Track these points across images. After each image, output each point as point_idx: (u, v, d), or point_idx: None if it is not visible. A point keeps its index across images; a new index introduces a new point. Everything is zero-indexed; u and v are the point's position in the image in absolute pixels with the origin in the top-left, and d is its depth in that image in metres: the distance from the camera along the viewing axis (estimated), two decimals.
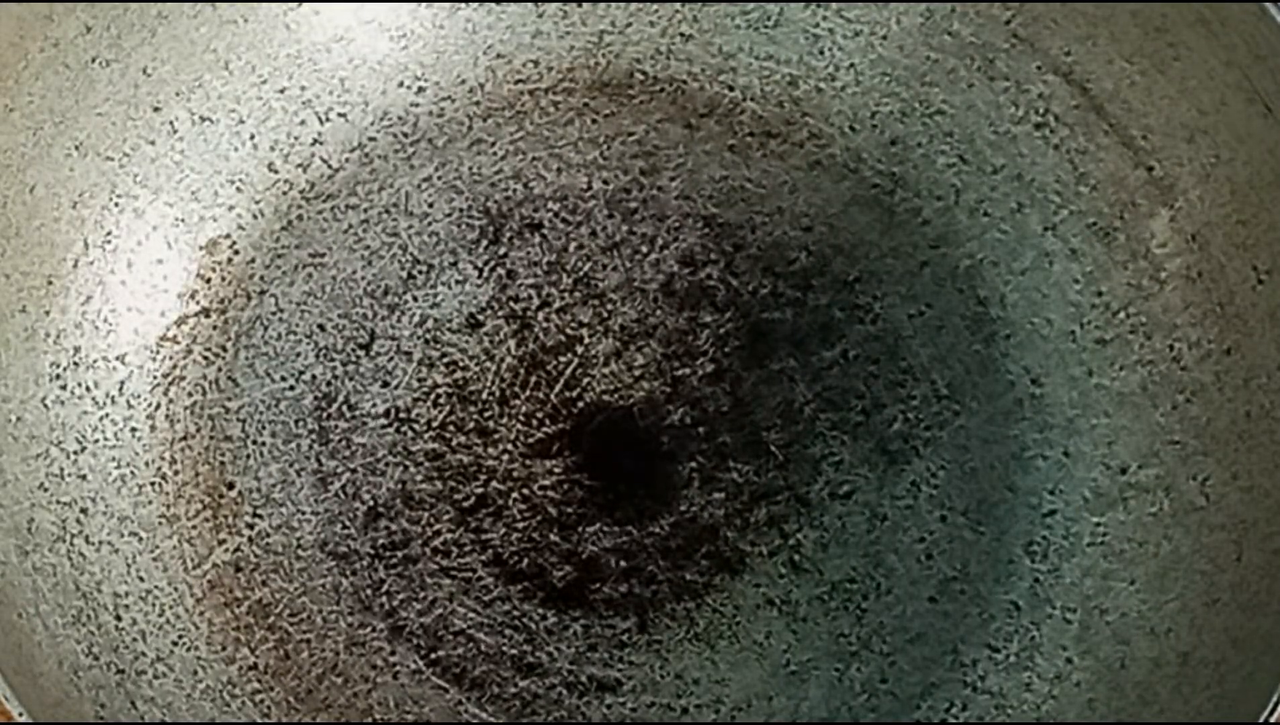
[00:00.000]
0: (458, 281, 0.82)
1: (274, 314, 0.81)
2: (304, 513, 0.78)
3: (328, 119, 0.84)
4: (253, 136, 0.83)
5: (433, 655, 0.75)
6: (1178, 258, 0.77)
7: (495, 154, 0.84)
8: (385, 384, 0.80)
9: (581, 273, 0.81)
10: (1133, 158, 0.78)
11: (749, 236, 0.83)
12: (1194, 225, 0.76)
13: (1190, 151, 0.76)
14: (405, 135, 0.84)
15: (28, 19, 0.73)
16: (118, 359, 0.79)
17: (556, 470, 0.78)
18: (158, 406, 0.79)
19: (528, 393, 0.79)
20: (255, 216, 0.82)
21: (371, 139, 0.84)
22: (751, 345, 0.80)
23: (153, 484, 0.78)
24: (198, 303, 0.81)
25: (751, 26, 0.85)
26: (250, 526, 0.78)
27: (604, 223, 0.83)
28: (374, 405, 0.79)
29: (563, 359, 0.80)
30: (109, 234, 0.79)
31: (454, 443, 0.79)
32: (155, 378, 0.80)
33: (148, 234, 0.80)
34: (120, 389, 0.79)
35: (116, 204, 0.79)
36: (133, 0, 0.77)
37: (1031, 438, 0.78)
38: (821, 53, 0.84)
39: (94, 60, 0.77)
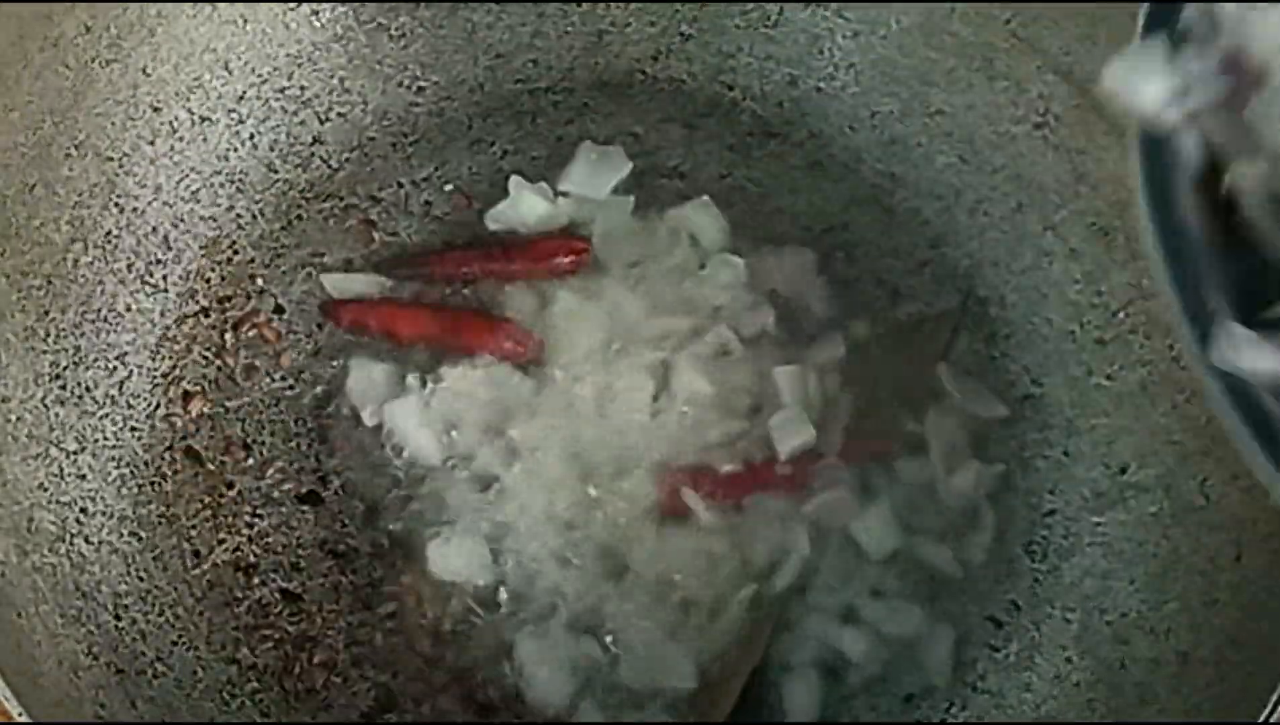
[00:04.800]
0: None
1: (274, 313, 0.81)
2: (304, 511, 0.78)
3: (327, 119, 0.84)
4: (253, 136, 0.83)
5: (433, 654, 0.75)
6: None
7: (495, 154, 0.84)
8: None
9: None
10: None
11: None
12: None
13: None
14: (405, 135, 0.84)
15: (28, 19, 0.73)
16: (118, 359, 0.79)
17: None
18: (157, 406, 0.79)
19: None
20: (255, 216, 0.82)
21: (371, 139, 0.84)
22: None
23: (153, 484, 0.78)
24: (198, 303, 0.81)
25: (751, 26, 0.85)
26: (250, 526, 0.78)
27: None
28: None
29: None
30: (109, 234, 0.79)
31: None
32: (155, 378, 0.80)
33: (147, 234, 0.80)
34: (120, 389, 0.79)
35: (116, 204, 0.79)
36: (133, 0, 0.77)
37: (1031, 438, 0.78)
38: (821, 53, 0.84)
39: (94, 60, 0.77)
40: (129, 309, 0.80)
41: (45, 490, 0.75)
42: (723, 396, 0.77)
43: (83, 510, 0.76)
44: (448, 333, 0.78)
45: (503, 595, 0.75)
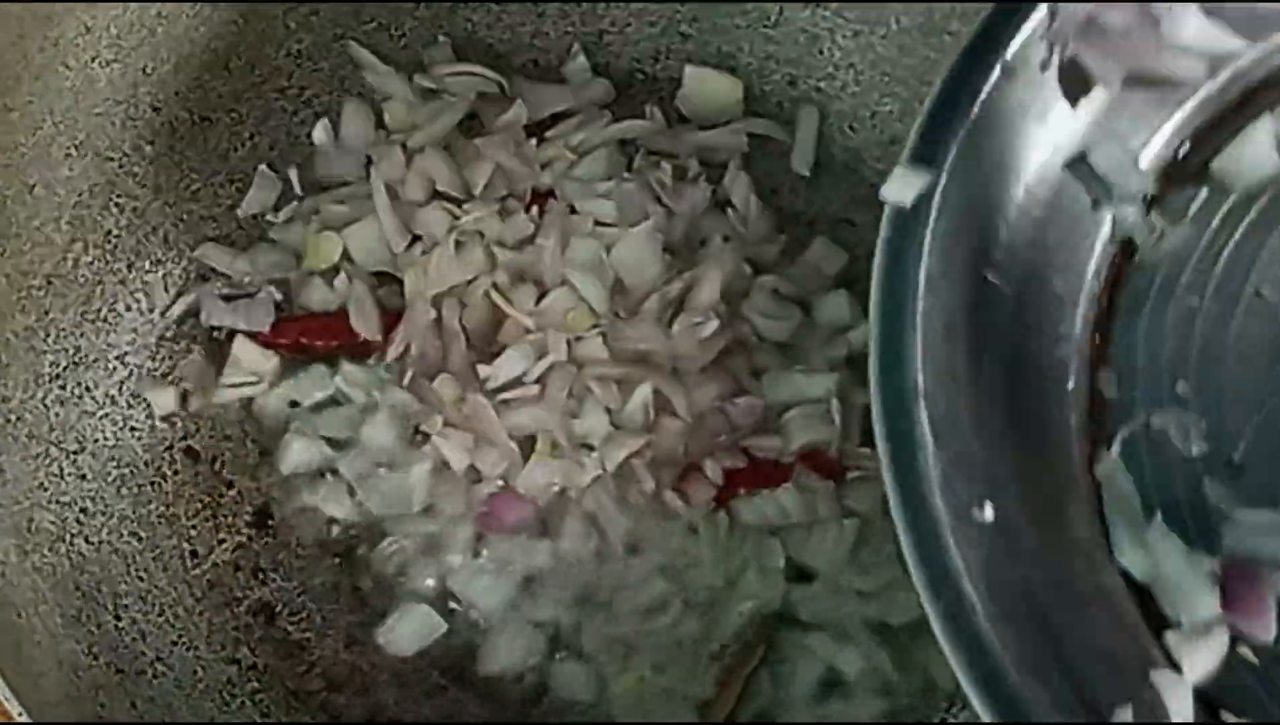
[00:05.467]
0: None
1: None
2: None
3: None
4: (252, 136, 0.83)
5: (433, 652, 0.75)
6: None
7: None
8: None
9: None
10: None
11: None
12: None
13: None
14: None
15: (28, 19, 0.73)
16: (117, 359, 0.79)
17: None
18: (158, 407, 0.79)
19: None
20: (254, 216, 0.82)
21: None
22: None
23: (153, 484, 0.78)
24: (197, 302, 0.81)
25: (751, 26, 0.85)
26: (250, 526, 0.78)
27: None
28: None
29: None
30: (109, 234, 0.79)
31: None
32: (155, 378, 0.80)
33: (147, 234, 0.80)
34: (120, 389, 0.79)
35: (116, 204, 0.79)
36: (133, 0, 0.77)
37: None
38: (821, 53, 0.84)
39: (94, 60, 0.77)
40: (129, 309, 0.80)
41: (45, 490, 0.75)
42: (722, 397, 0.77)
43: (83, 510, 0.76)
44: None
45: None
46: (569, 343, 0.77)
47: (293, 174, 0.82)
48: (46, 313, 0.77)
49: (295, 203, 0.82)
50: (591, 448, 0.76)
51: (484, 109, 0.82)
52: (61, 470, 0.76)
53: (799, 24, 0.84)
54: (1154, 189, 0.62)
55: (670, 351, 0.77)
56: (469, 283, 0.78)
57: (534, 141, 0.82)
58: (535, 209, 0.80)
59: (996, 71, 0.60)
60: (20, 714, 0.62)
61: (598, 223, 0.80)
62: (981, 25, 0.60)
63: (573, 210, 0.80)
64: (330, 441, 0.77)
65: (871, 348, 0.56)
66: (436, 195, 0.80)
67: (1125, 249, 0.61)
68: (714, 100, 0.84)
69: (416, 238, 0.80)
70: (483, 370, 0.76)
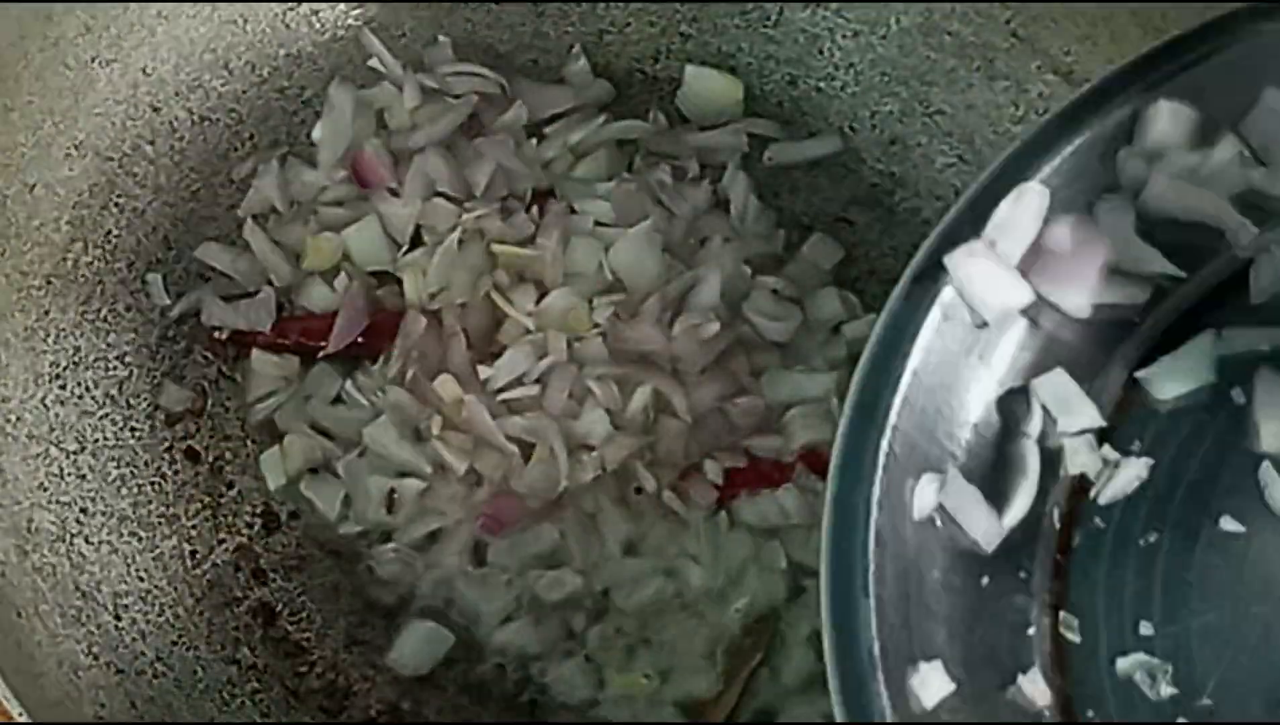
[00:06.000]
0: None
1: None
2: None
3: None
4: (252, 136, 0.83)
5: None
6: None
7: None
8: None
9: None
10: None
11: None
12: None
13: None
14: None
15: (28, 19, 0.73)
16: (118, 359, 0.79)
17: None
18: (157, 407, 0.79)
19: None
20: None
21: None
22: None
23: (153, 484, 0.78)
24: (197, 302, 0.81)
25: (751, 26, 0.85)
26: (250, 526, 0.78)
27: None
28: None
29: None
30: (109, 234, 0.79)
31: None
32: (155, 377, 0.80)
33: (147, 233, 0.80)
34: (120, 389, 0.79)
35: (116, 204, 0.79)
36: (133, 0, 0.77)
37: None
38: (821, 53, 0.84)
39: (94, 60, 0.77)
40: (129, 309, 0.80)
41: (45, 490, 0.75)
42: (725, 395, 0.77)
43: (83, 510, 0.76)
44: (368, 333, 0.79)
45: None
46: (569, 343, 0.77)
47: (293, 174, 0.82)
48: (46, 313, 0.77)
49: (295, 203, 0.82)
50: (591, 448, 0.76)
51: (484, 109, 0.82)
52: (61, 470, 0.76)
53: (799, 24, 0.84)
54: (1103, 421, 0.60)
55: (670, 352, 0.77)
56: (469, 283, 0.78)
57: (534, 141, 0.82)
58: (535, 209, 0.80)
59: (936, 314, 0.59)
60: (20, 714, 0.62)
61: (598, 223, 0.80)
62: (914, 268, 0.60)
63: (572, 210, 0.80)
64: (331, 442, 0.77)
65: (824, 616, 0.55)
66: (437, 195, 0.80)
67: (1080, 485, 0.60)
68: (714, 100, 0.84)
69: (417, 238, 0.80)
70: (483, 371, 0.76)
